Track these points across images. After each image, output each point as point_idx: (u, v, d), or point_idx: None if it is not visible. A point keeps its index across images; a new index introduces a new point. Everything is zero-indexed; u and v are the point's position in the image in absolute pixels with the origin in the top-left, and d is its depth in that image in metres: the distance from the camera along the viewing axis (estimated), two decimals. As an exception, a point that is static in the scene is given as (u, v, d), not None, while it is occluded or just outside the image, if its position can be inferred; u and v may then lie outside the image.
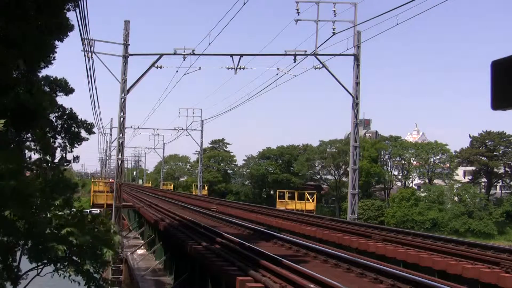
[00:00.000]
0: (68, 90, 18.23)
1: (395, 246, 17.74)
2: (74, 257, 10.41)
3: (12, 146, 13.10)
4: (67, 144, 17.18)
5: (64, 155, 10.91)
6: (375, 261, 13.61)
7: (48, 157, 11.05)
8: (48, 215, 10.34)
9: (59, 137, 17.26)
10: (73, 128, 17.44)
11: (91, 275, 10.57)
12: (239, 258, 13.27)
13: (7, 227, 9.83)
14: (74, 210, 10.88)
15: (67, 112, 17.62)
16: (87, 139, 18.41)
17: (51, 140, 15.82)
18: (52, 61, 15.19)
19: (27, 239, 10.30)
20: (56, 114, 17.44)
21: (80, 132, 17.89)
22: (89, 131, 18.12)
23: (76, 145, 17.39)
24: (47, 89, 17.51)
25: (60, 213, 10.03)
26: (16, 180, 9.50)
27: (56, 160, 10.95)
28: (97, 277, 10.77)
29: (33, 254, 10.22)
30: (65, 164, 11.05)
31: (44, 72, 16.99)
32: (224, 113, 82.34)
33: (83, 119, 18.05)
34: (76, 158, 11.65)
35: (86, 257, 10.46)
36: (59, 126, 17.35)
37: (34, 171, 10.96)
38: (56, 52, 15.14)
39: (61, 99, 18.74)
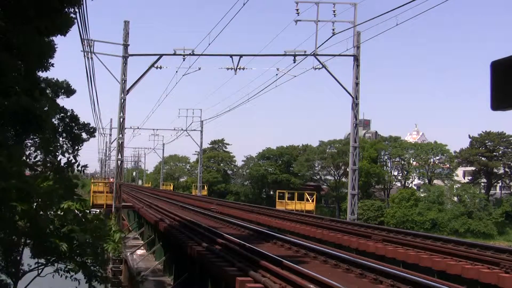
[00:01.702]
0: (70, 92, 18.26)
1: (394, 246, 17.74)
2: (76, 256, 10.44)
3: (12, 146, 13.10)
4: (68, 145, 17.22)
5: (70, 158, 10.93)
6: (374, 262, 13.61)
7: (50, 159, 11.09)
8: (51, 213, 10.37)
9: (60, 138, 17.28)
10: (74, 130, 17.46)
11: (93, 271, 10.61)
12: (239, 258, 13.26)
13: (9, 225, 9.86)
14: (77, 210, 10.89)
15: (69, 114, 17.64)
16: (88, 139, 18.47)
17: (53, 143, 15.84)
18: (51, 67, 15.16)
19: (28, 238, 10.34)
20: (58, 117, 17.47)
21: (81, 135, 17.93)
22: (91, 134, 18.16)
23: (77, 147, 17.42)
24: (48, 90, 17.55)
25: (63, 211, 10.05)
26: (20, 179, 9.53)
27: (63, 163, 10.99)
28: (98, 274, 10.81)
29: (36, 251, 10.26)
30: (70, 168, 11.07)
31: (44, 73, 17.00)
32: (224, 113, 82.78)
33: (85, 122, 18.10)
34: (83, 167, 11.64)
35: (87, 254, 10.50)
36: (61, 128, 17.37)
37: (37, 172, 10.98)
38: (54, 55, 15.12)
39: (63, 101, 18.78)
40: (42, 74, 16.62)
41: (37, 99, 13.54)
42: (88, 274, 10.63)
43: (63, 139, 17.45)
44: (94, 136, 18.80)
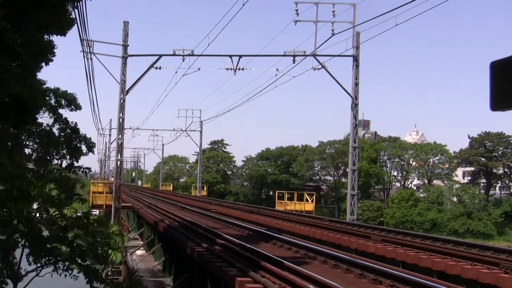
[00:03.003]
0: (75, 106, 18.26)
1: (394, 246, 17.74)
2: (77, 258, 10.44)
3: (11, 147, 13.08)
4: (68, 155, 17.19)
5: (70, 162, 11.01)
6: (374, 262, 13.62)
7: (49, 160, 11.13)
8: (53, 216, 10.36)
9: (61, 149, 17.26)
10: (74, 142, 17.43)
11: (94, 272, 10.60)
12: (239, 259, 13.27)
13: (8, 227, 9.86)
14: (79, 211, 10.89)
15: (70, 125, 17.62)
16: (87, 153, 18.45)
17: (52, 149, 15.84)
18: (50, 62, 15.10)
19: (27, 240, 10.33)
20: (59, 127, 17.48)
21: (81, 147, 17.93)
22: (90, 148, 18.17)
23: (76, 159, 17.37)
24: (53, 100, 17.55)
25: (66, 212, 10.02)
26: (21, 181, 9.52)
27: (64, 166, 11.03)
28: (99, 275, 10.81)
29: (34, 254, 10.25)
30: (71, 171, 11.10)
31: (43, 73, 16.98)
32: (224, 114, 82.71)
33: (85, 135, 18.09)
34: (85, 170, 11.69)
35: (88, 257, 10.49)
36: (62, 138, 17.35)
37: (36, 173, 10.98)
38: (55, 53, 15.08)
39: (66, 112, 18.73)
40: (41, 74, 16.59)
41: (31, 87, 13.38)
42: (89, 276, 10.62)
43: (62, 150, 17.45)
44: (93, 153, 18.79)
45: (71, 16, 14.39)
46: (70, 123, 17.69)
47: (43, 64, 15.13)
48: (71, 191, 10.69)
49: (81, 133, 17.84)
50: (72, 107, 18.28)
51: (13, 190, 9.37)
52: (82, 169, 11.46)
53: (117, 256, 10.36)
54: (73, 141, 17.41)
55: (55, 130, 17.29)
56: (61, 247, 9.54)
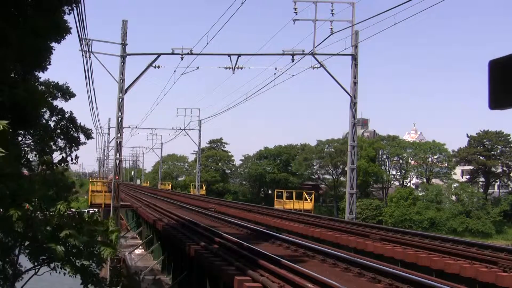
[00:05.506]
0: (69, 95, 18.23)
1: (393, 245, 17.75)
2: (71, 257, 10.41)
3: (10, 146, 13.04)
4: (66, 147, 17.18)
5: (64, 156, 10.99)
6: (373, 261, 13.62)
7: (46, 158, 11.11)
8: (48, 215, 10.34)
9: (59, 140, 17.26)
10: (72, 132, 17.41)
11: (88, 273, 10.58)
12: (237, 258, 13.26)
13: (6, 227, 9.84)
14: (73, 210, 10.88)
15: (67, 115, 17.59)
16: (85, 143, 18.43)
17: (50, 143, 15.81)
18: (48, 66, 15.09)
19: (25, 240, 10.32)
20: (56, 118, 17.46)
21: (79, 137, 17.90)
22: (88, 136, 18.14)
23: (74, 148, 17.36)
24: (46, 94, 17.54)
25: (60, 211, 10.00)
26: (16, 182, 9.50)
27: (56, 161, 11.01)
28: (94, 274, 10.78)
29: (31, 253, 10.24)
30: (64, 164, 11.11)
31: (42, 74, 16.95)
32: (222, 112, 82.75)
33: (82, 124, 18.04)
34: (76, 158, 11.71)
35: (83, 256, 10.47)
36: (58, 129, 17.33)
37: (35, 172, 10.97)
38: (52, 53, 15.05)
39: (61, 103, 18.70)
40: (40, 75, 16.56)
41: (31, 91, 13.38)
42: (83, 275, 10.60)
43: (61, 140, 17.43)
44: (92, 138, 18.72)
45: (68, 24, 14.38)
46: (66, 113, 17.66)
47: (41, 71, 15.09)
48: (65, 189, 10.67)
49: (78, 123, 17.82)
50: (67, 96, 18.26)
51: (6, 190, 9.35)
52: (72, 161, 11.52)
53: (106, 252, 10.36)
54: (70, 130, 17.40)
55: (51, 122, 17.29)
56: (56, 247, 9.53)
